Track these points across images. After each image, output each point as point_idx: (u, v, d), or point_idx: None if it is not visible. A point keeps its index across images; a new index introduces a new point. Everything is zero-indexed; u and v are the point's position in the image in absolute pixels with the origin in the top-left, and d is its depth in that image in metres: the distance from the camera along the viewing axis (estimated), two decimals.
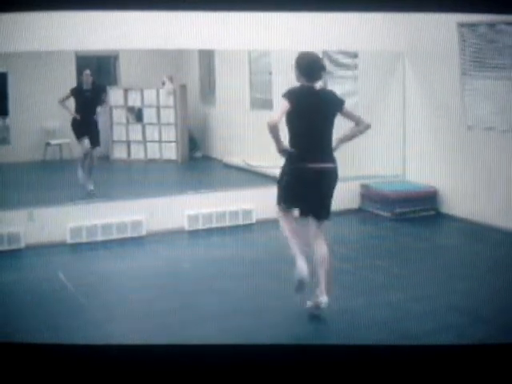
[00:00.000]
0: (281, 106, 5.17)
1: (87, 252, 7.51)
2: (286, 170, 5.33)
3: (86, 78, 9.62)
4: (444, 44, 8.16)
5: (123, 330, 5.19)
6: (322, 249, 5.31)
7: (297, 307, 5.39)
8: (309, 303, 5.36)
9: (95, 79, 9.85)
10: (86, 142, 9.56)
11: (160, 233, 7.91)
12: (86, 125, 9.51)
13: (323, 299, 5.27)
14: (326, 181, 5.28)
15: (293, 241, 5.32)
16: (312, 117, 5.20)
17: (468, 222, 8.11)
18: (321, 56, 9.68)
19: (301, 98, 5.19)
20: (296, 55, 5.30)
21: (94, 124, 9.69)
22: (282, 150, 5.23)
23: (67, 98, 9.49)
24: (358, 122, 5.36)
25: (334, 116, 5.30)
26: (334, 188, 5.34)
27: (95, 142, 9.68)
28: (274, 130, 5.08)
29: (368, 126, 5.37)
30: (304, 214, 5.39)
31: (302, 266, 5.21)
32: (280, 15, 7.03)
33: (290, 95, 5.17)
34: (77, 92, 9.54)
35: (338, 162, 5.32)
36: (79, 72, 10.59)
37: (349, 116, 5.36)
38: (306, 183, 5.22)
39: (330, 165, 5.27)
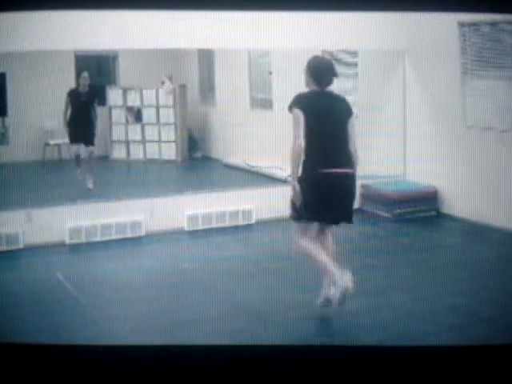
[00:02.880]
0: (295, 119, 4.86)
1: (86, 252, 7.49)
2: (303, 179, 4.93)
3: (84, 80, 9.60)
4: (445, 43, 8.16)
5: (122, 330, 5.17)
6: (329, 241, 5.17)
7: (297, 307, 5.38)
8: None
9: (94, 79, 9.83)
10: (75, 147, 9.62)
11: (159, 233, 7.89)
12: (79, 127, 9.51)
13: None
14: (347, 185, 5.01)
15: (322, 257, 5.00)
16: (326, 120, 4.92)
17: (468, 222, 8.10)
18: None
19: (312, 102, 4.94)
20: (309, 59, 5.06)
21: (89, 125, 9.66)
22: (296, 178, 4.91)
23: (67, 105, 9.50)
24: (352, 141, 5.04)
25: (347, 119, 5.02)
26: (354, 192, 5.09)
27: (89, 141, 9.68)
28: (298, 156, 4.85)
29: (355, 153, 5.03)
30: (327, 221, 5.09)
31: (347, 277, 4.90)
32: (280, 15, 7.01)
33: (300, 103, 4.90)
34: (73, 95, 9.55)
35: None
36: (78, 72, 10.56)
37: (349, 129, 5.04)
38: (327, 190, 4.92)
39: (349, 170, 4.98)
